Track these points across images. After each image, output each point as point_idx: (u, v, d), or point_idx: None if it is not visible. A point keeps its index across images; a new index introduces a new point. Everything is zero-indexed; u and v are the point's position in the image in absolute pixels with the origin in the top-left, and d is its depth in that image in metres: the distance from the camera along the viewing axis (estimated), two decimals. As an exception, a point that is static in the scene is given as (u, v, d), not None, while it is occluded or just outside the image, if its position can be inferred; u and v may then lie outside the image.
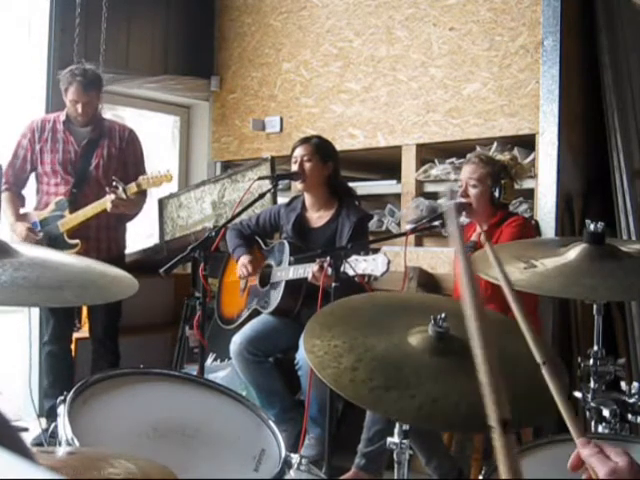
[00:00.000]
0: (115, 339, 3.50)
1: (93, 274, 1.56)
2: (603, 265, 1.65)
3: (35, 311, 3.70)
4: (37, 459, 0.94)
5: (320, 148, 3.10)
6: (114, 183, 3.23)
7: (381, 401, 1.26)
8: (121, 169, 3.39)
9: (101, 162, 3.39)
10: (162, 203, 4.62)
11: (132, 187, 3.24)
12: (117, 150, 3.43)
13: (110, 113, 4.42)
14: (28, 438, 3.22)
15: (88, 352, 3.54)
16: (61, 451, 1.24)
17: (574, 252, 1.69)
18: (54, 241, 3.31)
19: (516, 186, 2.88)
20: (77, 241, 3.29)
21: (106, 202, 3.23)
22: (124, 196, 3.22)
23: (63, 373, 3.41)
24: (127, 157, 3.46)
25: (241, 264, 3.17)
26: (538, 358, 1.02)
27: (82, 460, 1.08)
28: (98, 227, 3.39)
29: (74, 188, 3.34)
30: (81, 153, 3.38)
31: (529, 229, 2.84)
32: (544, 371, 1.00)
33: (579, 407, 3.02)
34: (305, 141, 3.13)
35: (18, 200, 3.46)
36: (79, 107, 3.33)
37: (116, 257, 3.39)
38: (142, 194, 3.43)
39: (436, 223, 2.72)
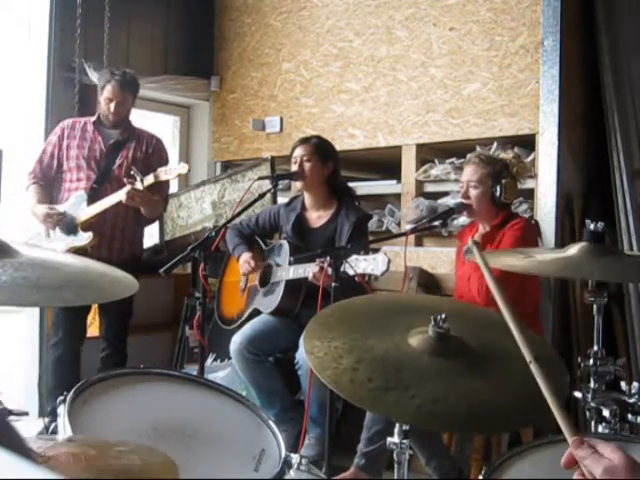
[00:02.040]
0: (124, 340, 3.49)
1: (93, 274, 1.56)
2: (602, 259, 1.66)
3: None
4: (36, 455, 0.94)
5: (320, 148, 3.10)
6: (132, 173, 3.23)
7: (381, 401, 1.26)
8: (145, 173, 3.35)
9: (125, 163, 3.40)
10: (162, 203, 4.62)
11: (149, 178, 3.23)
12: (142, 154, 3.45)
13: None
14: (32, 429, 3.22)
15: (93, 352, 3.53)
16: (61, 439, 1.24)
17: (574, 249, 1.69)
18: (69, 232, 3.32)
19: (517, 185, 2.88)
20: (90, 234, 3.28)
21: (122, 193, 3.22)
22: (141, 187, 3.21)
23: (69, 375, 3.38)
24: (152, 162, 3.44)
25: (243, 260, 3.16)
26: (527, 356, 1.02)
27: (83, 447, 1.08)
28: (114, 226, 3.39)
29: (95, 184, 3.35)
30: (107, 152, 3.41)
31: (532, 231, 2.83)
32: (533, 369, 1.00)
33: (579, 407, 3.03)
34: (305, 141, 3.13)
35: (45, 192, 3.46)
36: (112, 106, 3.35)
37: (128, 259, 3.37)
38: (162, 197, 3.44)
39: (436, 223, 2.71)
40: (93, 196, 3.32)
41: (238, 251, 3.21)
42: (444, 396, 1.25)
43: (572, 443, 0.88)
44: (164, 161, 3.52)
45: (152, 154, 3.48)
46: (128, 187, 3.20)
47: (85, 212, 3.30)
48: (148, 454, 1.08)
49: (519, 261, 1.67)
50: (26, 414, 3.41)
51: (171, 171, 3.23)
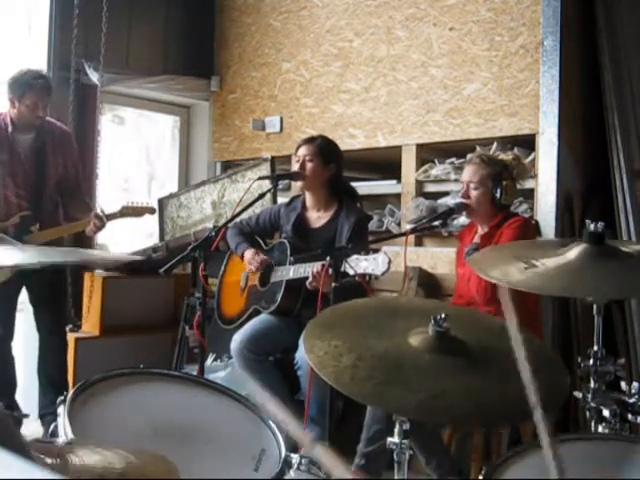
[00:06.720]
0: (62, 328, 3.48)
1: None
2: (603, 264, 1.65)
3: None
4: (35, 454, 0.95)
5: (323, 149, 3.09)
6: (99, 210, 3.23)
7: (381, 397, 1.26)
8: (64, 172, 3.38)
9: (52, 173, 3.34)
10: (162, 203, 4.62)
11: (115, 213, 3.28)
12: (62, 157, 3.40)
13: (110, 114, 4.43)
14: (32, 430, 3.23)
15: (88, 352, 3.53)
16: (59, 443, 1.24)
17: (574, 252, 1.69)
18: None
19: (517, 186, 2.87)
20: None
21: (85, 225, 3.22)
22: (105, 222, 3.23)
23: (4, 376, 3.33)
24: (67, 160, 3.42)
25: (248, 259, 3.14)
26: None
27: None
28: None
29: (33, 204, 3.28)
30: (32, 166, 3.30)
31: (530, 230, 2.83)
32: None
33: (579, 407, 3.03)
34: (310, 141, 3.12)
35: None
36: (39, 111, 3.23)
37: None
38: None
39: (436, 223, 2.71)
40: (39, 213, 3.26)
41: (240, 249, 3.20)
42: (444, 392, 1.26)
43: None
44: (75, 155, 3.47)
45: (67, 153, 3.41)
46: (95, 222, 3.18)
47: (37, 235, 3.20)
48: (149, 459, 1.08)
49: (519, 273, 1.65)
50: (26, 416, 3.40)
51: (139, 210, 3.32)
